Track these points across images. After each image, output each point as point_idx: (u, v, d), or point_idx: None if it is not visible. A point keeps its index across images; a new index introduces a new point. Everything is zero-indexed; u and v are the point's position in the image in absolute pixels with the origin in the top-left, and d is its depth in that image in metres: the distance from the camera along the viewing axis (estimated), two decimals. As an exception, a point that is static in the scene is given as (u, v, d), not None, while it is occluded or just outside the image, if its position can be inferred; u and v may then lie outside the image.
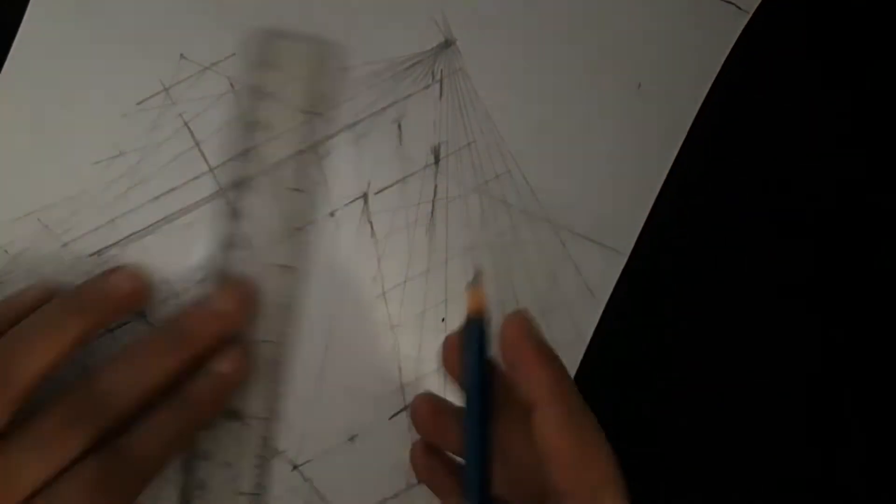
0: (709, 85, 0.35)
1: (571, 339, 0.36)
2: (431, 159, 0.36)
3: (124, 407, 0.31)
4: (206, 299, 0.34)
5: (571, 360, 0.36)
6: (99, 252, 0.36)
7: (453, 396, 0.32)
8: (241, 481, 0.36)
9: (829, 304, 0.36)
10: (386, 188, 0.36)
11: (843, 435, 0.36)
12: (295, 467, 0.36)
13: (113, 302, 0.33)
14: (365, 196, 0.36)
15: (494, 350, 0.29)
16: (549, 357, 0.28)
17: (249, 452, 0.36)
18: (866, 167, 0.36)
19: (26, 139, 0.35)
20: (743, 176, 0.36)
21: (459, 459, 0.31)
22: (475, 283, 0.29)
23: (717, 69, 0.35)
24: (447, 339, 0.30)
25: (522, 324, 0.28)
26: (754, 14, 0.34)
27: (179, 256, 0.36)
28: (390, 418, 0.36)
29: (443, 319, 0.36)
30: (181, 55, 0.35)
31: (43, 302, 0.32)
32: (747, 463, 0.36)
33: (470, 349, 0.29)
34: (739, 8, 0.34)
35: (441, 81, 0.35)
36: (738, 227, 0.36)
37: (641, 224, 0.36)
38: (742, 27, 0.34)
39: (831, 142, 0.36)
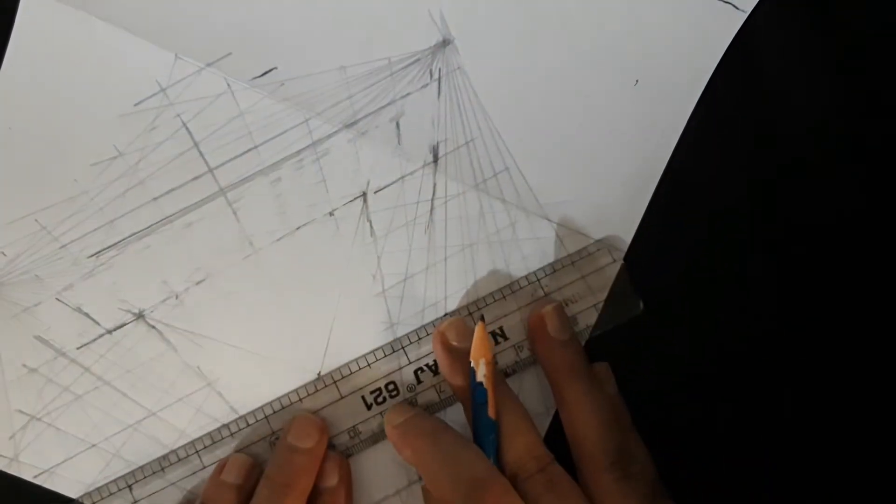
0: (705, 82, 0.35)
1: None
2: (430, 158, 0.36)
3: None
4: (290, 441, 0.34)
5: (571, 357, 0.36)
6: (98, 253, 0.35)
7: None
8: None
9: (829, 302, 0.37)
10: (385, 187, 0.36)
11: (843, 433, 0.37)
12: (297, 466, 0.36)
13: (308, 460, 0.34)
14: (364, 195, 0.36)
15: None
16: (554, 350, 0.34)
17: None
18: (864, 165, 0.37)
19: (24, 141, 0.35)
20: (739, 172, 0.37)
21: None
22: (479, 331, 0.33)
23: (714, 66, 0.35)
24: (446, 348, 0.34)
25: (540, 320, 0.35)
26: (752, 13, 0.34)
27: (179, 257, 0.36)
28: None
29: (445, 314, 0.36)
30: (176, 55, 0.35)
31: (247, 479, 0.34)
32: (747, 462, 0.37)
33: (478, 404, 0.33)
34: (737, 7, 0.35)
35: (439, 80, 0.35)
36: (734, 222, 0.37)
37: (638, 220, 0.36)
38: (739, 26, 0.35)
39: (828, 139, 0.37)
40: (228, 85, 0.35)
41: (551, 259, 0.36)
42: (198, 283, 0.36)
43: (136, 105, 0.35)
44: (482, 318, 0.35)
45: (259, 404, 0.36)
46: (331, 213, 0.36)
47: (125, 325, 0.36)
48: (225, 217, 0.36)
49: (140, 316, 0.36)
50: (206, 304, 0.36)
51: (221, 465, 0.34)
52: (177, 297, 0.36)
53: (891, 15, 0.36)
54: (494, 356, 0.34)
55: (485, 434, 0.32)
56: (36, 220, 0.35)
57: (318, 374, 0.36)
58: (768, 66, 0.36)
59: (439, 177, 0.36)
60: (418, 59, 0.35)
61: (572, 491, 0.32)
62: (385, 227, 0.36)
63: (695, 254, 0.37)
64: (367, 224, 0.36)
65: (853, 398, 0.37)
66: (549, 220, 0.36)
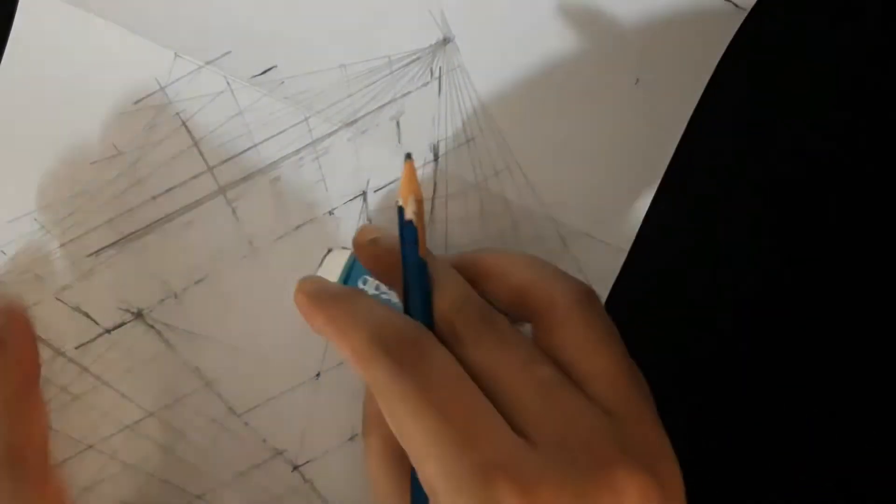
0: (707, 79, 0.35)
1: (572, 336, 0.36)
2: (430, 156, 0.36)
3: None
4: None
5: (573, 357, 0.36)
6: (97, 252, 0.35)
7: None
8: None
9: (827, 303, 0.37)
10: (385, 186, 0.36)
11: (847, 433, 0.37)
12: (295, 468, 0.36)
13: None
14: (364, 194, 0.36)
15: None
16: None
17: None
18: (866, 162, 0.36)
19: (22, 139, 0.35)
20: (742, 170, 0.36)
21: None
22: (408, 169, 0.29)
23: (715, 64, 0.35)
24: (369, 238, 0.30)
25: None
26: (752, 10, 0.34)
27: (178, 256, 0.35)
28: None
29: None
30: (175, 54, 0.35)
31: None
32: (747, 463, 0.36)
33: (407, 244, 0.29)
34: (737, 6, 0.34)
35: (440, 78, 0.35)
36: (737, 221, 0.36)
37: (641, 219, 0.36)
38: (739, 24, 0.34)
39: (830, 137, 0.36)
40: (228, 83, 0.35)
41: (552, 258, 0.36)
42: (197, 282, 0.36)
43: (135, 103, 0.35)
44: (410, 156, 0.30)
45: (257, 404, 0.35)
46: (330, 212, 0.36)
47: (124, 324, 0.36)
48: (224, 216, 0.36)
49: (139, 315, 0.36)
50: (205, 304, 0.36)
51: None
52: (176, 297, 0.36)
53: (891, 12, 0.36)
54: (422, 195, 0.30)
55: (416, 277, 0.28)
56: (35, 219, 0.35)
57: (318, 374, 0.36)
58: (771, 63, 0.36)
59: (440, 176, 0.36)
60: (419, 58, 0.35)
61: (518, 336, 0.27)
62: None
63: (698, 252, 0.37)
64: (368, 223, 0.36)
65: (858, 396, 0.36)
66: (550, 218, 0.36)
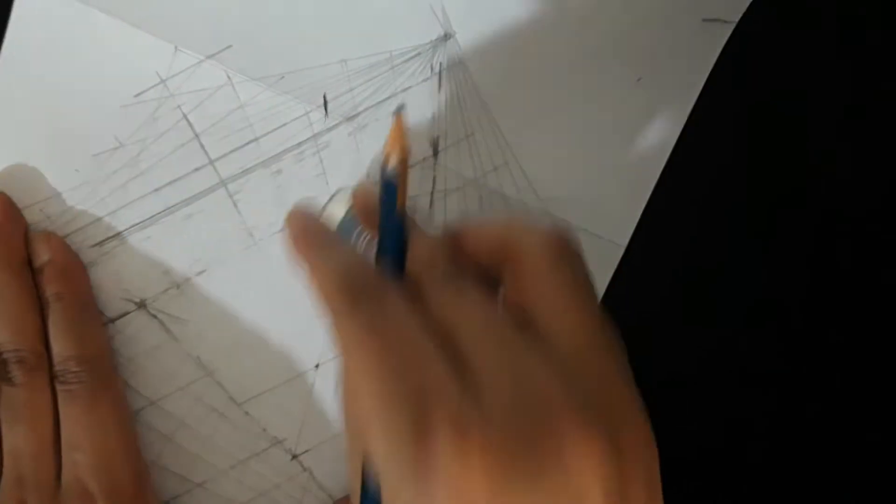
0: (704, 78, 0.35)
1: (568, 331, 0.36)
2: (430, 151, 0.36)
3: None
4: None
5: (568, 352, 0.36)
6: (101, 243, 0.36)
7: None
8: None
9: (826, 300, 0.37)
10: (385, 180, 0.36)
11: (849, 434, 0.37)
12: (294, 457, 0.37)
13: None
14: (364, 188, 0.36)
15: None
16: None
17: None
18: (861, 165, 0.36)
19: (25, 132, 0.35)
20: (740, 165, 0.36)
21: None
22: (398, 121, 0.28)
23: (709, 69, 0.35)
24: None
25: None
26: (747, 13, 0.34)
27: (180, 248, 0.36)
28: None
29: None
30: (176, 48, 0.35)
31: None
32: (744, 464, 0.37)
33: (385, 201, 0.29)
34: (725, 21, 0.34)
35: (440, 74, 0.35)
36: (736, 217, 0.37)
37: (639, 216, 0.36)
38: (728, 34, 0.34)
39: (827, 136, 0.36)
40: (229, 77, 0.35)
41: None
42: (198, 273, 0.36)
43: (136, 96, 0.35)
44: (402, 108, 0.29)
45: (257, 394, 0.36)
46: (330, 206, 0.36)
47: (127, 314, 0.36)
48: (225, 208, 0.36)
49: (142, 305, 0.36)
50: (207, 295, 0.36)
51: None
52: (178, 288, 0.36)
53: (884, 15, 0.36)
54: (408, 152, 0.29)
55: (390, 233, 0.28)
56: (40, 210, 0.36)
57: (317, 365, 0.36)
58: (770, 63, 0.36)
59: (439, 170, 0.36)
60: (419, 53, 0.35)
61: (479, 296, 0.26)
62: (384, 220, 0.36)
63: (695, 248, 0.37)
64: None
65: (859, 397, 0.37)
66: (547, 213, 0.36)
